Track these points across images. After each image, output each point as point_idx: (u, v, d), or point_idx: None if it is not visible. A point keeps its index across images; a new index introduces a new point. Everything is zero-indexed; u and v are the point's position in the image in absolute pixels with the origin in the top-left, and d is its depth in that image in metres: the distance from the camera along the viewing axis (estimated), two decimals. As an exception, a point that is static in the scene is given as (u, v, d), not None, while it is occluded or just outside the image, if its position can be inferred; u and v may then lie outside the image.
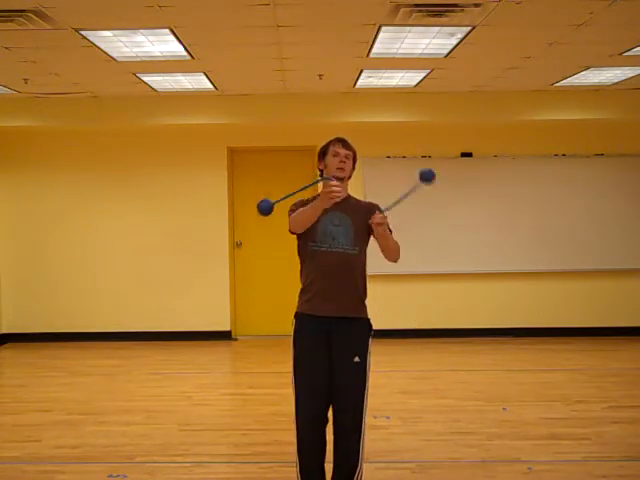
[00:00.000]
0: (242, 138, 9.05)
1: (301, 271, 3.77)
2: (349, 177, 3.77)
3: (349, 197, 3.78)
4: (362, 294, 3.71)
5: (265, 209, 3.55)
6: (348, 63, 6.70)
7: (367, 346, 3.67)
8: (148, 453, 4.90)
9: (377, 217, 3.50)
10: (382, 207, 3.59)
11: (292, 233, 3.70)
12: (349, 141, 3.76)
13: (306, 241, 3.71)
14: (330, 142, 3.76)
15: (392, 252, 3.66)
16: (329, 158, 3.73)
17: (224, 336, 9.08)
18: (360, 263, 3.71)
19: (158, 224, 9.03)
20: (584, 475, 4.43)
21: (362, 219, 3.68)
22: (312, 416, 3.67)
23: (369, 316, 3.74)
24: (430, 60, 6.55)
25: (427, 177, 3.69)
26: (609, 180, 8.91)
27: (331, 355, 3.62)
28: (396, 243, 3.67)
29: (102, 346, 8.70)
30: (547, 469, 4.53)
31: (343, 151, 3.70)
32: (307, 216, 3.55)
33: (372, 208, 3.70)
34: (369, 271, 3.79)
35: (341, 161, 3.69)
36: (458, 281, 9.01)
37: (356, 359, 3.61)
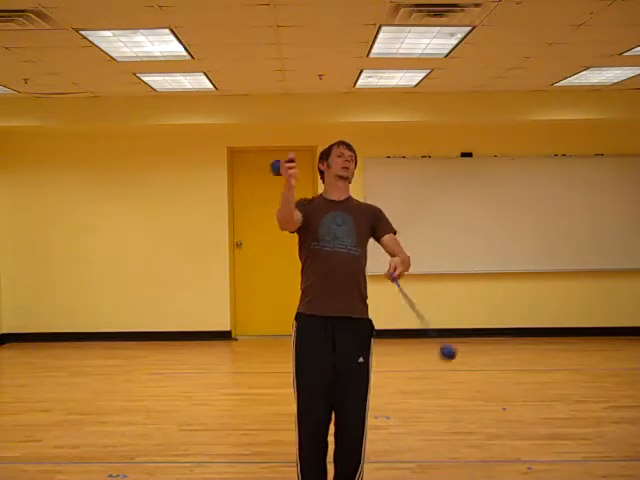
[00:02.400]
0: (242, 138, 9.05)
1: (302, 271, 3.76)
2: (350, 180, 3.82)
3: (350, 198, 3.80)
4: (364, 295, 3.72)
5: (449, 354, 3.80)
6: (348, 63, 6.70)
7: (370, 347, 3.69)
8: (148, 453, 4.91)
9: (395, 271, 3.45)
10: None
11: (286, 230, 3.67)
12: (352, 144, 3.84)
13: (308, 241, 3.69)
14: (333, 145, 3.82)
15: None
16: (333, 159, 3.77)
17: (224, 336, 9.08)
18: (362, 264, 3.72)
19: (158, 224, 9.03)
20: (584, 475, 4.43)
21: (364, 220, 3.73)
22: (316, 417, 3.65)
23: (370, 317, 3.75)
24: (430, 60, 6.55)
25: (448, 354, 3.95)
26: (609, 180, 8.91)
27: (335, 355, 3.62)
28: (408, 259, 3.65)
29: (102, 346, 8.70)
30: (547, 469, 4.53)
31: (347, 152, 3.76)
32: (282, 209, 3.51)
33: (374, 212, 3.79)
34: (369, 271, 3.79)
35: (345, 160, 3.74)
36: (458, 281, 9.01)
37: (360, 359, 3.61)
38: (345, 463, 3.65)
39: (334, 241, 3.63)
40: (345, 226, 3.66)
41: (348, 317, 3.63)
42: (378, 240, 3.75)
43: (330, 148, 3.81)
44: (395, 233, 3.78)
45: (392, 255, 3.65)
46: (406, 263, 3.58)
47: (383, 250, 3.76)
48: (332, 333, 3.62)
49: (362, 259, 3.70)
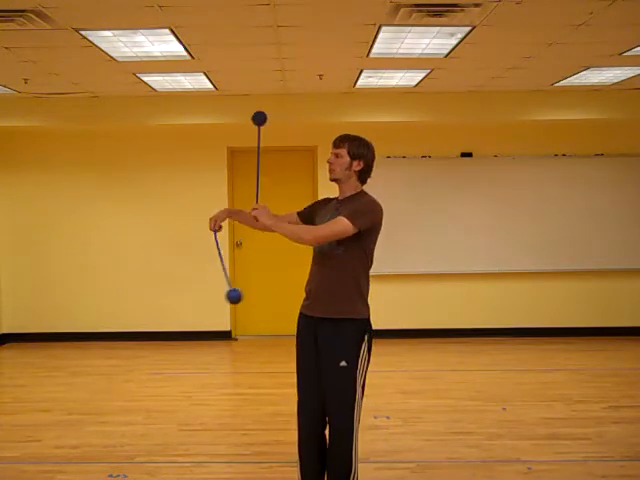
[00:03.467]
0: (242, 138, 9.00)
1: None
2: (360, 171, 3.66)
3: (353, 196, 3.68)
4: (352, 294, 3.59)
5: (234, 298, 3.61)
6: (348, 63, 6.70)
7: (358, 348, 3.57)
8: (148, 453, 4.91)
9: (253, 212, 3.62)
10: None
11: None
12: (347, 136, 3.70)
13: None
14: None
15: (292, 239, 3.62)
16: None
17: (224, 336, 9.08)
18: (349, 262, 3.58)
19: (158, 224, 9.03)
20: (584, 475, 4.44)
21: None
22: (308, 414, 3.68)
23: (367, 315, 3.66)
24: (430, 60, 6.55)
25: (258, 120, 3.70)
26: (609, 180, 8.91)
27: (319, 356, 3.61)
28: (293, 231, 3.64)
29: (102, 346, 8.70)
30: (547, 469, 4.54)
31: (332, 150, 3.68)
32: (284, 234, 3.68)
33: (354, 202, 3.63)
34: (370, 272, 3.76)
35: (329, 162, 3.68)
36: (458, 281, 9.01)
37: (342, 363, 3.53)
38: (335, 467, 3.61)
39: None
40: None
41: (329, 318, 3.57)
42: None
43: None
44: (349, 220, 3.49)
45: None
46: (293, 233, 3.60)
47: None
48: (315, 334, 3.63)
49: (348, 257, 3.56)
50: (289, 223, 3.83)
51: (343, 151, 3.65)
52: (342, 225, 3.50)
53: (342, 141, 3.67)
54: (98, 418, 5.77)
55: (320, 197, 4.02)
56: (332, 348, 3.57)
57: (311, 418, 3.68)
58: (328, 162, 3.70)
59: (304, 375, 3.70)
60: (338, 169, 3.67)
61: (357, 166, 3.67)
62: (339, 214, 3.57)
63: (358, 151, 3.67)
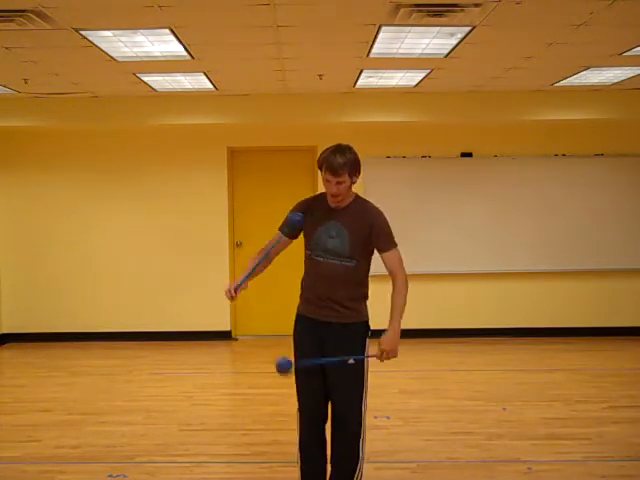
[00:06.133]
0: (242, 138, 9.04)
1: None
2: (353, 182, 3.62)
3: (352, 203, 3.66)
4: (357, 302, 3.65)
5: (283, 367, 3.57)
6: (348, 63, 6.70)
7: (363, 347, 3.64)
8: (148, 453, 4.91)
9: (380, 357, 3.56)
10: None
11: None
12: (342, 159, 3.52)
13: (305, 245, 3.73)
14: (324, 158, 3.56)
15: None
16: (324, 180, 3.59)
17: (224, 336, 9.08)
18: (357, 274, 3.63)
19: (158, 224, 9.03)
20: (584, 475, 4.44)
21: (361, 233, 3.58)
22: (310, 414, 3.71)
23: (368, 316, 3.72)
24: (430, 60, 6.55)
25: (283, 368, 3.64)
26: (609, 180, 8.91)
27: (324, 356, 3.62)
28: (404, 296, 3.59)
29: (102, 346, 8.70)
30: (547, 469, 4.54)
31: (333, 179, 3.53)
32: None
33: (373, 225, 3.60)
34: (370, 272, 3.77)
35: (331, 194, 3.57)
36: (458, 281, 9.01)
37: (351, 361, 3.57)
38: (342, 464, 3.65)
39: (325, 253, 3.59)
40: (338, 239, 3.58)
41: (336, 322, 3.62)
42: (379, 252, 3.65)
43: (322, 161, 3.57)
44: (396, 245, 3.63)
45: (390, 272, 3.60)
46: (395, 344, 3.53)
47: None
48: (320, 334, 3.63)
49: (357, 269, 3.60)
50: (277, 246, 3.76)
51: (345, 176, 3.54)
52: (400, 257, 3.62)
53: (341, 168, 3.51)
54: (98, 418, 5.77)
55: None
56: (339, 348, 3.60)
57: (313, 418, 3.69)
58: (333, 195, 3.55)
59: (305, 376, 3.69)
60: (344, 193, 3.59)
61: (356, 179, 3.64)
62: (355, 231, 3.58)
63: (356, 167, 3.59)
